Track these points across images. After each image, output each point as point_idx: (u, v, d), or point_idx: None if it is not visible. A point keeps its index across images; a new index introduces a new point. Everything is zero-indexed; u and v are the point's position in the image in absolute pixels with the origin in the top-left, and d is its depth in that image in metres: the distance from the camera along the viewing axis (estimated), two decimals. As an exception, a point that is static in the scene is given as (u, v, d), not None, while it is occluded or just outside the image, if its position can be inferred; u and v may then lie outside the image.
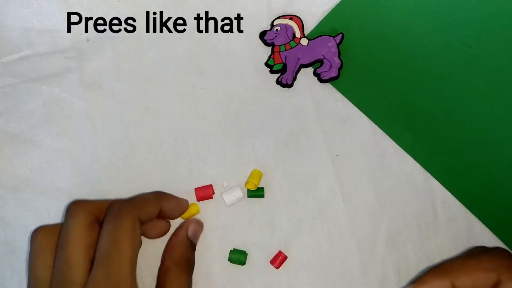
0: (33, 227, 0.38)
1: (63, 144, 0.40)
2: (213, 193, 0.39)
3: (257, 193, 0.39)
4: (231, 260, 0.38)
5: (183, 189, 0.39)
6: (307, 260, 0.38)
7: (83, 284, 0.31)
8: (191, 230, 0.37)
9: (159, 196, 0.37)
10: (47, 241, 0.34)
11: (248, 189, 0.39)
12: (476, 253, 0.32)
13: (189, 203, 0.39)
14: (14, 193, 0.39)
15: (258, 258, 0.38)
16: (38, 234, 0.34)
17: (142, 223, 0.34)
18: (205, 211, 0.39)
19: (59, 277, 0.32)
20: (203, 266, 0.38)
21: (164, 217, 0.37)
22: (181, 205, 0.38)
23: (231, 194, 0.38)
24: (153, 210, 0.35)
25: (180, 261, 0.35)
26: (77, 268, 0.31)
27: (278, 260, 0.38)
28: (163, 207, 0.36)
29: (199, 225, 0.38)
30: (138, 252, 0.33)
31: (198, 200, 0.39)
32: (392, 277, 0.38)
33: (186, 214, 0.38)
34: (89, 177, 0.39)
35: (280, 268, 0.38)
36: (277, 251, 0.38)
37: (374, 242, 0.39)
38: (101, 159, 0.40)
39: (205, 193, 0.39)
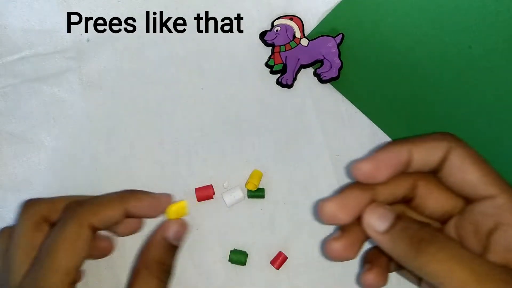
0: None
1: (63, 144, 0.40)
2: (213, 193, 0.39)
3: (257, 193, 0.39)
4: (231, 260, 0.38)
5: (183, 189, 0.39)
6: (307, 260, 0.38)
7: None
8: (172, 231, 0.32)
9: (124, 197, 0.32)
10: (3, 243, 0.33)
11: (248, 190, 0.39)
12: None
13: (187, 203, 0.34)
14: (14, 193, 0.39)
15: (259, 259, 0.38)
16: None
17: (97, 228, 0.31)
18: (205, 211, 0.39)
19: (1, 280, 0.31)
20: (204, 266, 0.38)
21: (138, 217, 0.34)
22: (159, 205, 0.33)
23: (231, 195, 0.38)
24: (114, 214, 0.31)
25: (152, 264, 0.31)
26: (16, 272, 0.30)
27: (279, 260, 0.38)
28: (130, 209, 0.32)
29: (182, 226, 0.33)
30: (79, 265, 0.30)
31: (199, 200, 0.39)
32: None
33: (173, 214, 0.33)
34: (89, 177, 0.39)
35: (280, 268, 0.38)
36: (277, 252, 0.38)
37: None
38: (101, 159, 0.39)
39: (205, 193, 0.39)
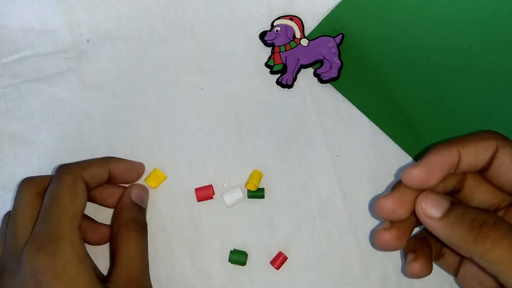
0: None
1: (63, 145, 0.40)
2: (213, 193, 0.39)
3: (257, 193, 0.39)
4: (231, 260, 0.38)
5: (183, 189, 0.39)
6: (307, 260, 0.38)
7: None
8: (134, 194, 0.37)
9: (107, 158, 0.37)
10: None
11: (248, 190, 0.39)
12: None
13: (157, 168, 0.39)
14: (14, 193, 0.39)
15: (258, 259, 0.38)
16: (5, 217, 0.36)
17: (89, 185, 0.34)
18: (205, 211, 0.39)
19: (7, 245, 0.33)
20: (204, 267, 0.38)
21: (119, 181, 0.37)
22: (134, 168, 0.38)
23: (231, 195, 0.38)
24: (100, 171, 0.35)
25: (128, 223, 0.35)
26: (22, 233, 0.32)
27: (278, 260, 0.38)
28: (112, 169, 0.36)
29: (143, 189, 0.38)
30: (81, 209, 0.33)
31: (198, 200, 0.39)
32: (392, 277, 0.38)
33: (153, 181, 0.38)
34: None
35: (280, 268, 0.38)
36: (277, 252, 0.38)
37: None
38: (101, 159, 0.40)
39: (205, 193, 0.39)
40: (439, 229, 0.28)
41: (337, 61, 0.40)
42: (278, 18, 0.40)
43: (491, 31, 0.39)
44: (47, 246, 0.31)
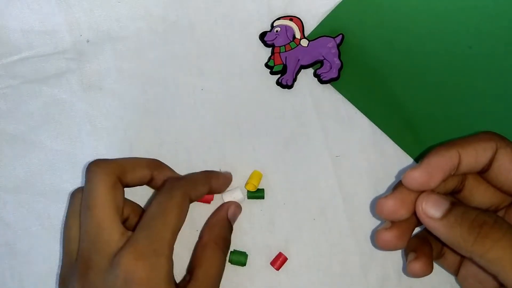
0: (33, 228, 0.38)
1: (63, 145, 0.40)
2: (212, 198, 0.39)
3: (257, 194, 0.39)
4: (231, 261, 0.38)
5: (183, 190, 0.39)
6: (307, 261, 0.38)
7: (119, 244, 0.31)
8: (231, 211, 0.37)
9: (209, 175, 0.37)
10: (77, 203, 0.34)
11: (248, 190, 0.39)
12: None
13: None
14: (14, 195, 0.39)
15: (259, 259, 0.38)
16: (77, 193, 0.34)
17: (191, 201, 0.34)
18: (205, 212, 0.39)
19: (91, 239, 0.31)
20: (204, 267, 0.38)
21: (212, 193, 0.38)
22: (228, 181, 0.38)
23: (231, 196, 0.38)
24: (204, 189, 0.35)
25: (218, 240, 0.35)
26: (110, 229, 0.31)
27: (279, 261, 0.38)
28: (212, 185, 0.36)
29: (238, 207, 0.38)
30: (181, 227, 0.33)
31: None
32: (392, 277, 0.38)
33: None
34: (89, 178, 0.39)
35: (280, 269, 0.38)
36: (277, 253, 0.38)
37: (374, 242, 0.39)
38: (101, 160, 0.40)
39: (204, 197, 0.38)
40: (439, 229, 0.28)
41: (337, 62, 0.40)
42: (278, 19, 0.40)
43: (492, 31, 0.39)
44: (148, 258, 0.30)
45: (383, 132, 0.40)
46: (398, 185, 0.30)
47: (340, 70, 0.40)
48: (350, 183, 0.39)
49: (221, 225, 0.37)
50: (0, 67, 0.40)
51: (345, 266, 0.38)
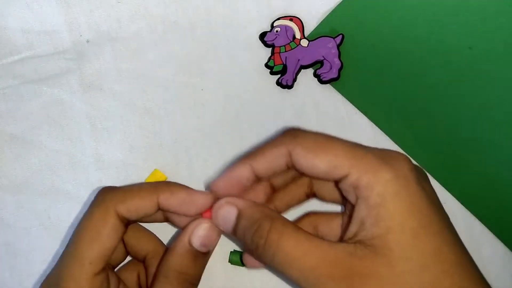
0: (33, 229, 0.38)
1: (63, 146, 0.40)
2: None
3: (257, 194, 0.39)
4: (231, 261, 0.38)
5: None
6: (307, 261, 0.38)
7: None
8: (197, 236, 0.29)
9: (157, 187, 0.29)
10: None
11: (248, 190, 0.39)
12: None
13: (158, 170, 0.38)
14: (14, 195, 0.39)
15: (258, 259, 0.38)
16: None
17: (127, 219, 0.28)
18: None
19: (57, 275, 0.29)
20: (203, 268, 0.38)
21: (172, 218, 0.31)
22: (191, 200, 0.29)
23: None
24: (144, 204, 0.28)
25: (171, 273, 0.28)
26: (71, 277, 0.28)
27: (278, 261, 0.38)
28: (161, 201, 0.29)
29: (212, 230, 0.29)
30: (106, 251, 0.28)
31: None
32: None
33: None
34: (89, 178, 0.39)
35: (280, 269, 0.38)
36: (277, 253, 0.38)
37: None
38: (101, 160, 0.40)
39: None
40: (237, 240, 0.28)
41: (337, 62, 0.40)
42: (278, 19, 0.40)
43: (492, 31, 0.39)
44: None
45: (383, 132, 0.40)
46: (229, 168, 0.30)
47: (340, 70, 0.40)
48: (350, 183, 0.39)
49: (178, 253, 0.29)
50: (0, 67, 0.40)
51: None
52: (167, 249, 0.30)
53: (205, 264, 0.30)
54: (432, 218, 0.26)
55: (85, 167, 0.39)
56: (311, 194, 0.33)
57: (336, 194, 0.32)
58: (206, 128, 0.40)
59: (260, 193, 0.31)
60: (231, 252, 0.38)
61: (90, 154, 0.40)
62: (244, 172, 0.29)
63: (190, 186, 0.39)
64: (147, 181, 0.39)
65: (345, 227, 0.29)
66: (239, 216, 0.28)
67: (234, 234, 0.28)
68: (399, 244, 0.25)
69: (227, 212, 0.28)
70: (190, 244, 0.29)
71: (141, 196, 0.29)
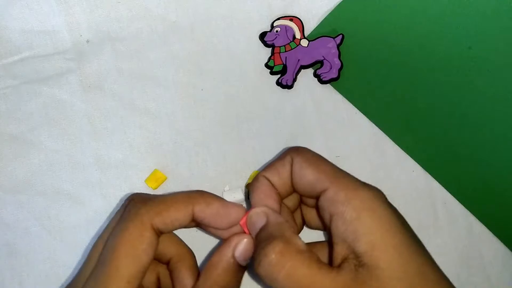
0: (33, 228, 0.38)
1: (63, 146, 0.40)
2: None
3: (257, 194, 0.39)
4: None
5: (184, 190, 0.39)
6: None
7: None
8: (239, 250, 0.29)
9: (192, 197, 0.29)
10: None
11: (248, 191, 0.39)
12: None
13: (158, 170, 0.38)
14: (14, 195, 0.39)
15: (259, 260, 0.38)
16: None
17: (162, 231, 0.28)
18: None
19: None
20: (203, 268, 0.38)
21: (204, 226, 0.30)
22: (226, 212, 0.29)
23: (231, 195, 0.38)
24: (179, 216, 0.28)
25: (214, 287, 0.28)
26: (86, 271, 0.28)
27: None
28: (197, 212, 0.28)
29: (250, 243, 0.29)
30: (142, 270, 0.27)
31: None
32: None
33: (153, 182, 0.38)
34: (89, 178, 0.39)
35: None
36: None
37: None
38: (101, 160, 0.39)
39: None
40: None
41: (337, 62, 0.40)
42: (278, 19, 0.40)
43: (491, 31, 0.39)
44: None
45: (383, 133, 0.40)
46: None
47: (340, 70, 0.40)
48: (350, 184, 0.39)
49: (222, 268, 0.28)
50: (0, 67, 0.40)
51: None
52: (208, 264, 0.30)
53: (243, 276, 0.30)
54: (409, 237, 0.26)
55: (85, 167, 0.39)
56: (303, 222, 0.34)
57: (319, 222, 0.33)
58: (206, 128, 0.40)
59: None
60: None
61: (90, 154, 0.40)
62: (269, 185, 0.31)
63: (190, 186, 0.39)
64: (146, 181, 0.39)
65: (330, 251, 0.29)
66: (264, 227, 0.29)
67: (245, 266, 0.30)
68: (388, 263, 0.25)
69: (256, 219, 0.29)
70: (234, 258, 0.29)
71: (177, 208, 0.28)
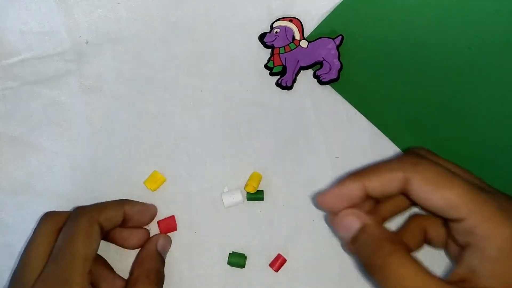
0: (32, 230, 0.38)
1: (62, 147, 0.40)
2: (175, 225, 0.39)
3: (256, 195, 0.39)
4: (230, 263, 0.38)
5: (183, 192, 0.39)
6: (306, 262, 0.38)
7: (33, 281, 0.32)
8: (160, 244, 0.37)
9: (122, 201, 0.37)
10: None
11: (247, 192, 0.39)
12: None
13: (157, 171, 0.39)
14: (13, 196, 0.39)
15: (258, 261, 0.38)
16: (48, 218, 0.35)
17: (103, 227, 0.34)
18: (204, 213, 0.39)
19: (15, 276, 0.33)
20: (203, 269, 0.38)
21: (132, 224, 0.37)
22: (148, 209, 0.38)
23: (230, 196, 0.38)
24: (115, 214, 0.35)
25: (150, 273, 0.35)
26: (31, 267, 0.32)
27: (277, 263, 0.38)
28: (127, 211, 0.36)
29: (168, 240, 0.38)
30: (94, 253, 0.33)
31: (162, 232, 0.39)
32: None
33: (152, 184, 0.39)
34: (88, 180, 0.39)
35: (279, 271, 0.38)
36: (276, 254, 0.38)
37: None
38: (101, 162, 0.40)
39: (168, 225, 0.39)
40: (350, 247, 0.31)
41: (337, 63, 0.39)
42: (277, 20, 0.40)
43: (491, 31, 0.39)
44: None
45: (382, 133, 0.40)
46: (339, 182, 0.31)
47: (339, 71, 0.39)
48: (350, 185, 0.39)
49: (151, 258, 0.36)
50: (0, 68, 0.40)
51: (344, 268, 0.38)
52: (138, 257, 0.37)
53: (164, 263, 0.37)
54: None
55: (84, 168, 0.39)
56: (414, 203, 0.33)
57: (433, 205, 0.32)
58: (206, 129, 0.40)
59: (365, 204, 0.32)
60: (230, 254, 0.38)
61: (89, 156, 0.40)
62: (355, 190, 0.31)
63: (190, 187, 0.39)
64: (146, 182, 0.39)
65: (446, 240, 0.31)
66: (362, 230, 0.30)
67: (351, 243, 0.31)
68: None
69: (352, 222, 0.31)
70: (157, 250, 0.37)
71: (113, 208, 0.35)
